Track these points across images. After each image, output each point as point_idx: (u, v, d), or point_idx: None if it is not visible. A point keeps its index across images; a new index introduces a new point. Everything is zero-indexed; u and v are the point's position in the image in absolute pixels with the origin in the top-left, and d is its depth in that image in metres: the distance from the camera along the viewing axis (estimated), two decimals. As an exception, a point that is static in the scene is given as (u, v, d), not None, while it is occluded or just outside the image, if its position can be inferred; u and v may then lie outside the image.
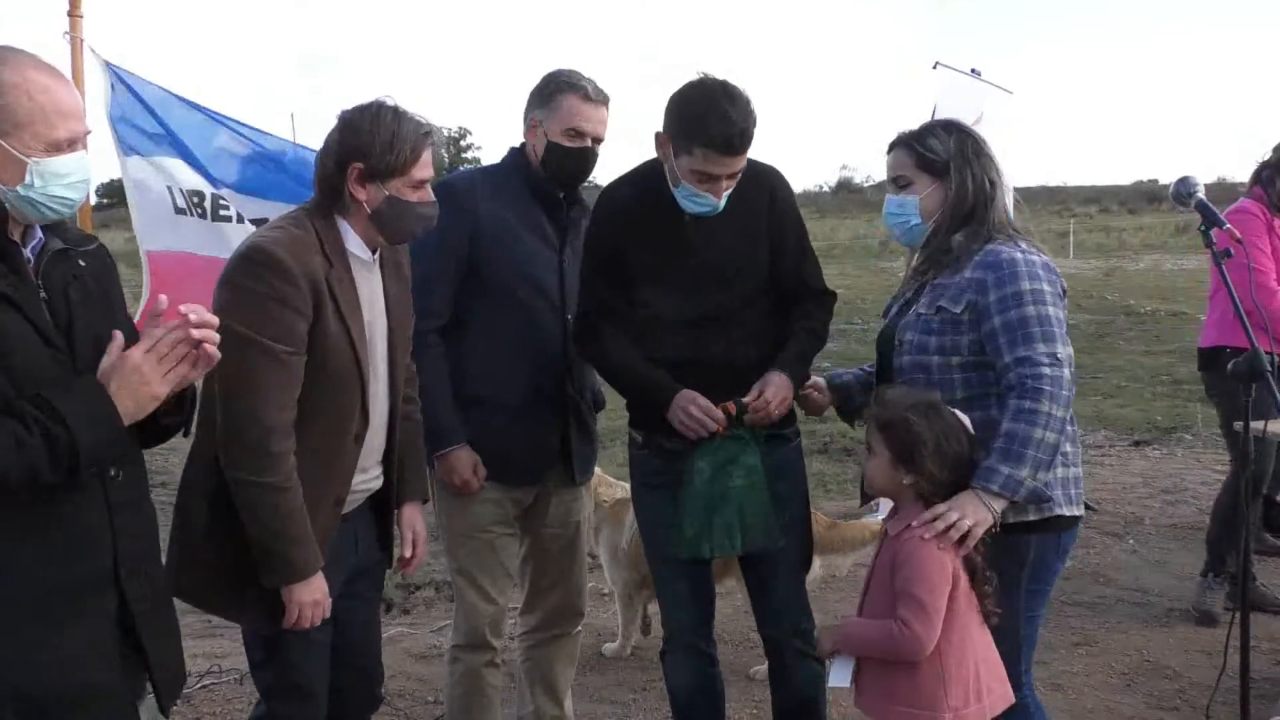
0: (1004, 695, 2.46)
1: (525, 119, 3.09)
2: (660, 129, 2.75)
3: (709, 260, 2.79)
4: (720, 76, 2.71)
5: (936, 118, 4.62)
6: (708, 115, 2.61)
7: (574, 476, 3.22)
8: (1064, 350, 2.46)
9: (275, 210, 3.62)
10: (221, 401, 2.30)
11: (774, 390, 2.76)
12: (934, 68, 4.83)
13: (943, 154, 2.62)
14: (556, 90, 3.00)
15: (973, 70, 5.08)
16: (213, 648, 4.38)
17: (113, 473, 1.99)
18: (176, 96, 4.09)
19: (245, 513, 2.31)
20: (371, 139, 2.37)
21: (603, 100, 3.03)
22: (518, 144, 3.15)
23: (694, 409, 2.74)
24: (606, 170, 3.22)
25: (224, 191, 4.15)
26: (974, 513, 2.37)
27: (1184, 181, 2.94)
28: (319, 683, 2.55)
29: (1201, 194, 2.92)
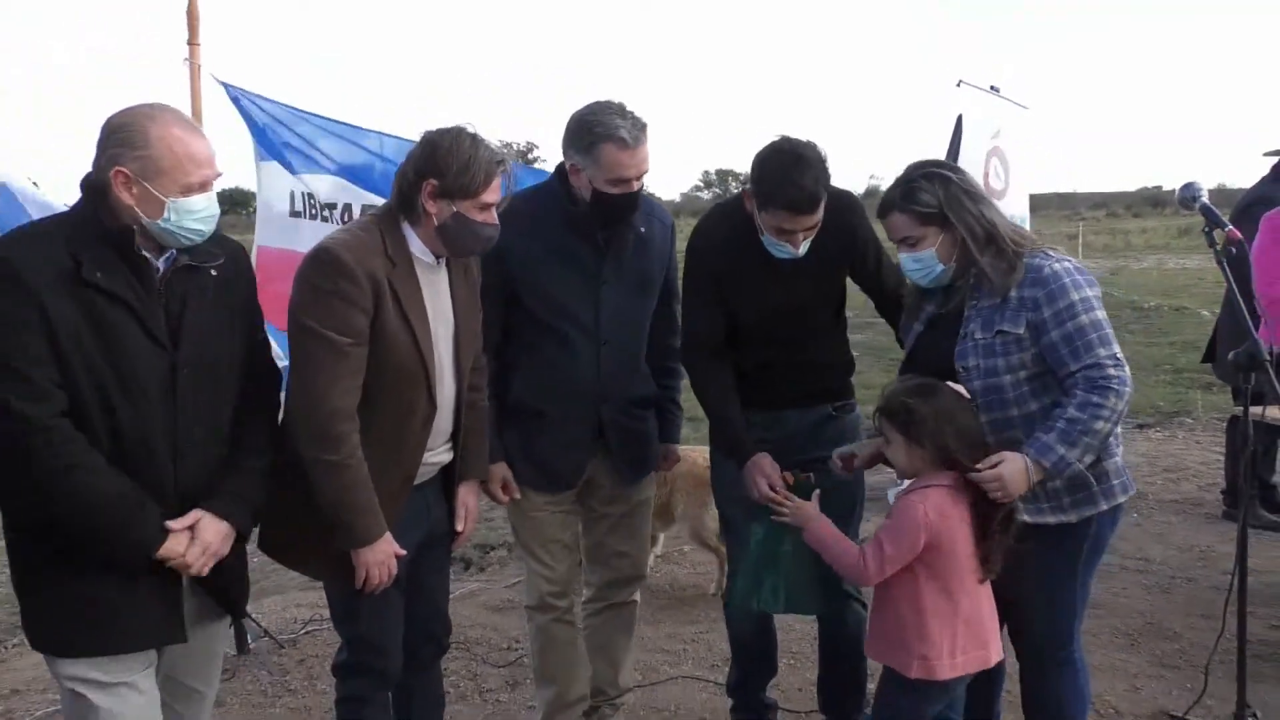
0: (980, 659, 2.63)
1: (565, 156, 3.03)
2: (746, 184, 2.98)
3: (795, 286, 3.02)
4: (801, 139, 2.87)
5: (964, 130, 5.00)
6: (782, 182, 2.80)
7: (624, 478, 3.29)
8: (1119, 349, 2.58)
9: None
10: (293, 387, 2.54)
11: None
12: (958, 85, 5.05)
13: (935, 203, 2.66)
14: (594, 141, 2.92)
15: (992, 87, 5.35)
16: (315, 598, 4.69)
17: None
18: (298, 110, 4.20)
19: (314, 485, 2.52)
20: (449, 160, 2.54)
21: (641, 139, 2.94)
22: (561, 162, 3.09)
23: (758, 475, 2.96)
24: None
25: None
26: (1011, 482, 2.51)
27: (1188, 187, 3.05)
28: (390, 637, 2.79)
29: (1205, 198, 3.02)
